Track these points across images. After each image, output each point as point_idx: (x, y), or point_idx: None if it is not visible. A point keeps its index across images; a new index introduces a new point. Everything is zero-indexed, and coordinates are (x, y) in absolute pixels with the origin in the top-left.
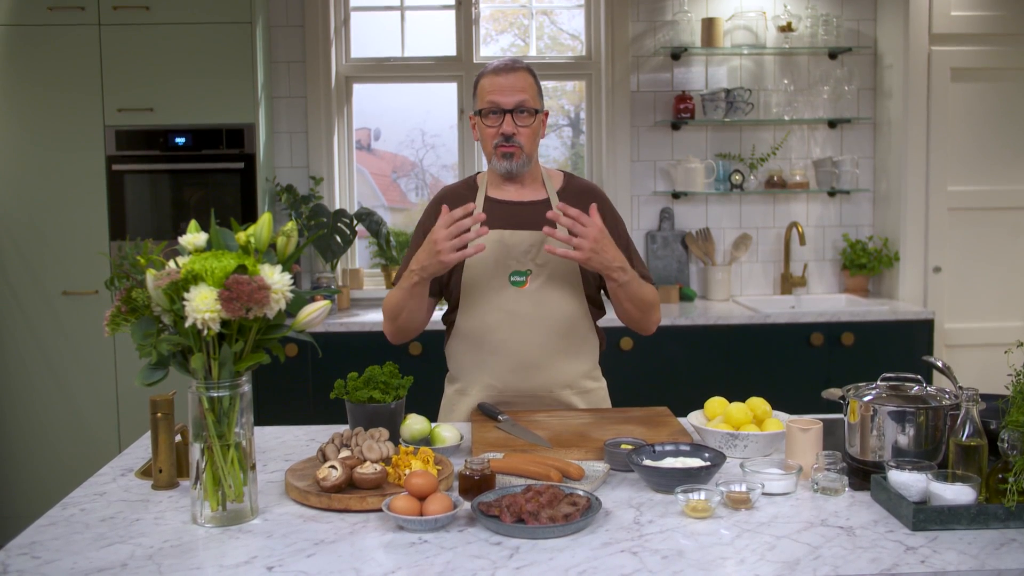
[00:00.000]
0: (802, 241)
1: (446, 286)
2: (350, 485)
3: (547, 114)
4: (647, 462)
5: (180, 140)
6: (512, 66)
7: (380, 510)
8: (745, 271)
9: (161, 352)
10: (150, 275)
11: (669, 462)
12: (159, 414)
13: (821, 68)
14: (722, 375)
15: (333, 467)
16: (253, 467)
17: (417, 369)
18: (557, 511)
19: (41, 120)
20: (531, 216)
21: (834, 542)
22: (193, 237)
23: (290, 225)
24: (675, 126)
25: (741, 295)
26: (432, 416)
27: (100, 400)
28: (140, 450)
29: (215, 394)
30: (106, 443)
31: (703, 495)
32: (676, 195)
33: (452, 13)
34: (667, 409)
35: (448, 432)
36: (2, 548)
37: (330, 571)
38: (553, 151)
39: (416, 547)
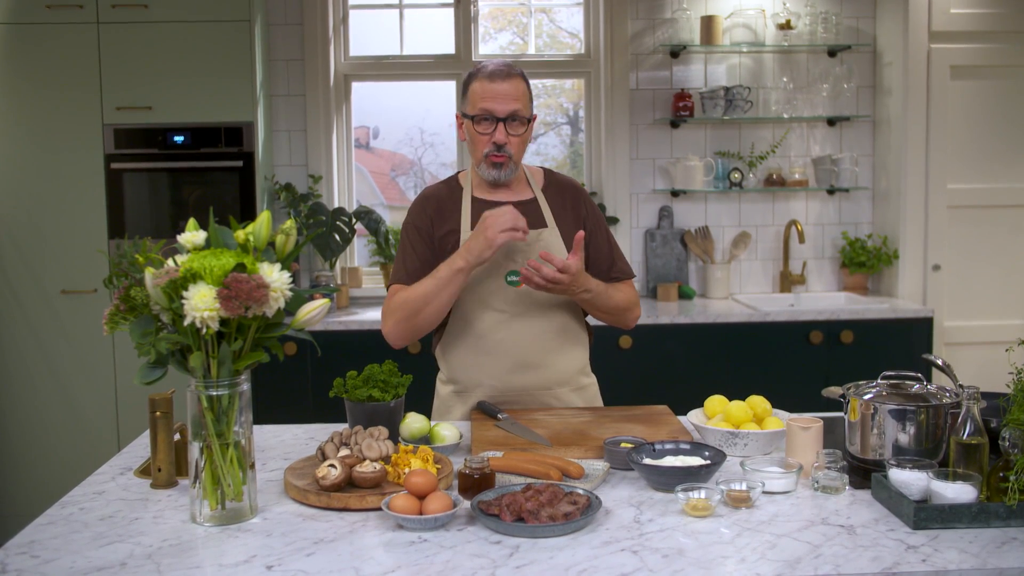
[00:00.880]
0: (801, 239)
1: None
2: (349, 484)
3: (535, 117)
4: (647, 461)
5: (179, 138)
6: (507, 72)
7: (379, 509)
8: (744, 269)
9: (160, 351)
10: (149, 273)
11: (669, 461)
12: (158, 413)
13: (820, 66)
14: (722, 373)
15: (332, 466)
16: (252, 466)
17: (416, 368)
18: (557, 510)
19: (40, 118)
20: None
21: (835, 541)
22: (192, 235)
23: (289, 223)
24: (674, 124)
25: (740, 293)
26: (431, 416)
27: (99, 399)
28: (139, 449)
29: (214, 393)
30: (105, 442)
31: (703, 494)
32: (675, 193)
33: (451, 11)
34: (667, 408)
35: (447, 431)
36: (1, 547)
37: (329, 570)
38: (552, 149)
39: (416, 546)
